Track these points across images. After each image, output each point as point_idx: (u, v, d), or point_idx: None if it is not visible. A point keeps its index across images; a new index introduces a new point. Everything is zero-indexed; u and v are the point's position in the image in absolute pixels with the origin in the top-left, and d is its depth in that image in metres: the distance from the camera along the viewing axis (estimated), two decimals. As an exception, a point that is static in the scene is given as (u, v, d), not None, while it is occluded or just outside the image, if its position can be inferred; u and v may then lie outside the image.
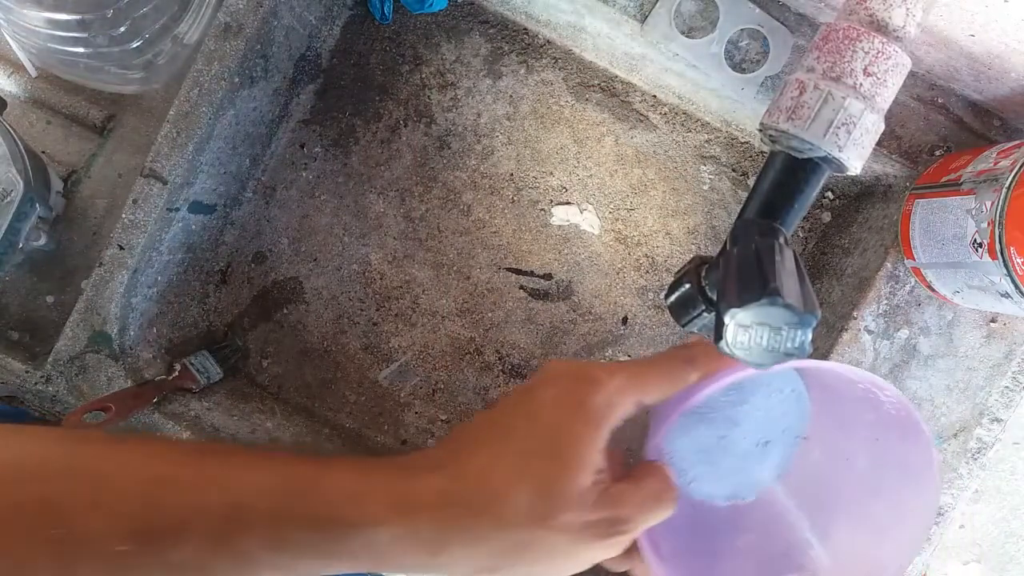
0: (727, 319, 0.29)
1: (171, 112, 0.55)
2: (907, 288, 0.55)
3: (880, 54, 0.35)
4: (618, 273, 0.66)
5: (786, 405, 0.41)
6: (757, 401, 0.40)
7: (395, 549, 0.29)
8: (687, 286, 0.39)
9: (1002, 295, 0.44)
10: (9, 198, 0.53)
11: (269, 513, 0.29)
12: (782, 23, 0.54)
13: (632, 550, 0.33)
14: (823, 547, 0.39)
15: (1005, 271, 0.42)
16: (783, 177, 0.37)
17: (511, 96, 0.65)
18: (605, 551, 0.31)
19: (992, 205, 0.42)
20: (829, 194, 0.65)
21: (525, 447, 0.30)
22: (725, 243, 0.36)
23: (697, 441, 0.41)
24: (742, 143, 0.65)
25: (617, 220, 0.66)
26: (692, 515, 0.40)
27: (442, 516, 0.29)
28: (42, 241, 0.58)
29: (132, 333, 0.59)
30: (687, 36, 0.54)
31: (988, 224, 0.43)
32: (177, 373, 0.59)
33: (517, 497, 0.29)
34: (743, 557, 0.40)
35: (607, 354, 0.67)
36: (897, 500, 0.38)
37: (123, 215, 0.56)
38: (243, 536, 0.28)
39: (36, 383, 0.57)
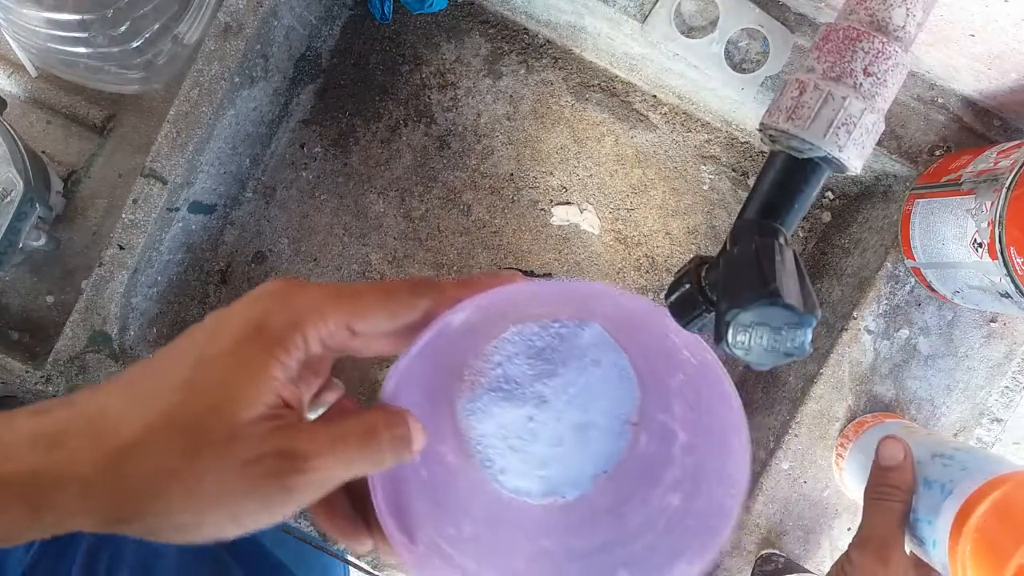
0: (727, 319, 0.29)
1: (171, 112, 0.55)
2: (907, 288, 0.55)
3: (880, 54, 0.35)
4: (618, 273, 0.66)
5: (607, 381, 0.35)
6: (570, 374, 0.35)
7: None
8: (687, 286, 0.39)
9: (1002, 295, 0.44)
10: (9, 198, 0.53)
11: None
12: (782, 23, 0.54)
13: (370, 530, 0.29)
14: (633, 544, 0.33)
15: (1005, 271, 0.42)
16: (783, 177, 0.37)
17: (511, 96, 0.65)
18: (277, 495, 0.25)
19: (992, 205, 0.42)
20: (829, 194, 0.65)
21: (172, 376, 0.25)
22: (725, 243, 0.36)
23: (503, 423, 0.35)
24: (742, 143, 0.65)
25: (617, 220, 0.66)
26: (490, 508, 0.36)
27: (40, 462, 0.24)
28: (42, 241, 0.58)
29: (132, 333, 0.59)
30: (687, 36, 0.54)
31: (988, 224, 0.43)
32: (177, 373, 0.59)
33: (142, 433, 0.24)
34: (540, 560, 0.35)
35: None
36: (713, 492, 0.32)
37: (123, 215, 0.56)
38: None
39: (36, 383, 0.57)
